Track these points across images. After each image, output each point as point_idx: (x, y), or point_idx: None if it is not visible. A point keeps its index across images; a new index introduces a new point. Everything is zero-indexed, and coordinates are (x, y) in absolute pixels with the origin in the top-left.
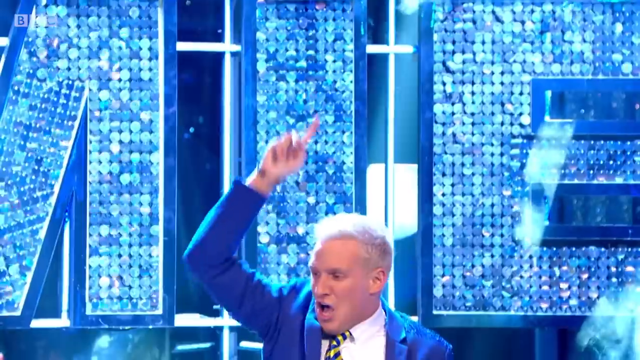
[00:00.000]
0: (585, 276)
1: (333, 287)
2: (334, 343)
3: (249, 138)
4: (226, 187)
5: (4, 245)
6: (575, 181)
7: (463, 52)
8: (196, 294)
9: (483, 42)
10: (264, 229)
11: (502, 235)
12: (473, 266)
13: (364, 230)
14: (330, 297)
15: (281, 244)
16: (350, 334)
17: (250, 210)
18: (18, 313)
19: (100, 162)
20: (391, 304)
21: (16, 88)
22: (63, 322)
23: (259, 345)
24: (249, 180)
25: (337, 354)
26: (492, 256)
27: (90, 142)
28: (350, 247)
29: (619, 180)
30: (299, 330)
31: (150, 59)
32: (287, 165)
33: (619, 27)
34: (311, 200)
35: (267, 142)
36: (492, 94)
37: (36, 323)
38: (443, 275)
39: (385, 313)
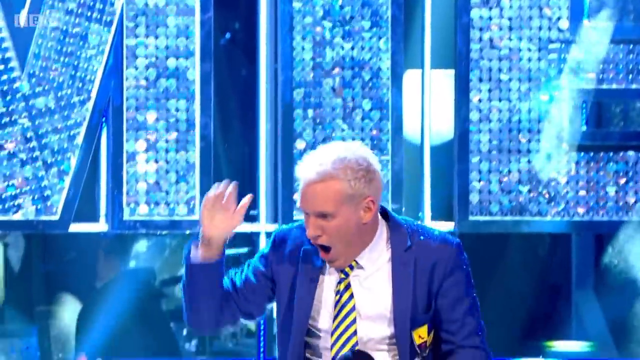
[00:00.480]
0: (622, 181)
1: (324, 227)
2: (343, 276)
3: (285, 44)
4: (262, 93)
5: (42, 150)
6: (614, 86)
7: None
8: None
9: None
10: (300, 136)
11: (538, 141)
12: (510, 172)
13: (344, 166)
14: (323, 238)
15: None
16: (357, 262)
17: (214, 276)
18: (57, 217)
19: (136, 68)
20: (427, 210)
21: None
22: (101, 226)
23: None
24: (200, 253)
25: (348, 286)
26: (529, 162)
27: (127, 47)
28: (333, 187)
29: None
30: (293, 274)
31: None
32: (225, 224)
33: None
34: (347, 106)
35: (303, 48)
36: None
37: (74, 227)
38: (479, 181)
39: (388, 223)
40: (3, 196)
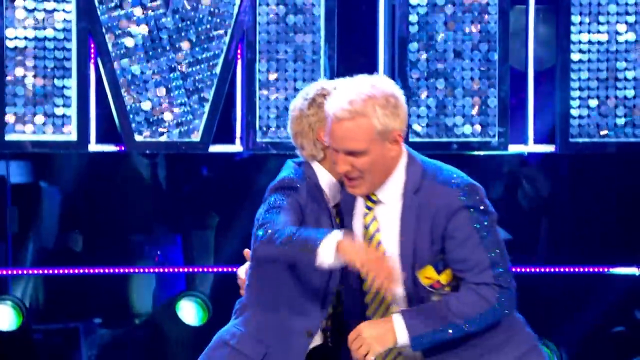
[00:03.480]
0: None
1: (353, 163)
2: (366, 211)
3: None
4: (381, 27)
5: (185, 79)
6: None
7: None
8: None
9: None
10: (415, 66)
11: (634, 69)
12: (607, 98)
13: (373, 102)
14: (353, 171)
15: None
16: (378, 197)
17: None
18: (198, 139)
19: (268, 4)
20: (530, 133)
21: None
22: (237, 147)
23: None
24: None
25: (374, 218)
26: (625, 88)
27: None
28: (363, 125)
29: None
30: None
31: None
32: None
33: None
34: (458, 38)
35: None
36: None
37: (213, 148)
38: (579, 107)
39: (409, 158)
40: (151, 120)
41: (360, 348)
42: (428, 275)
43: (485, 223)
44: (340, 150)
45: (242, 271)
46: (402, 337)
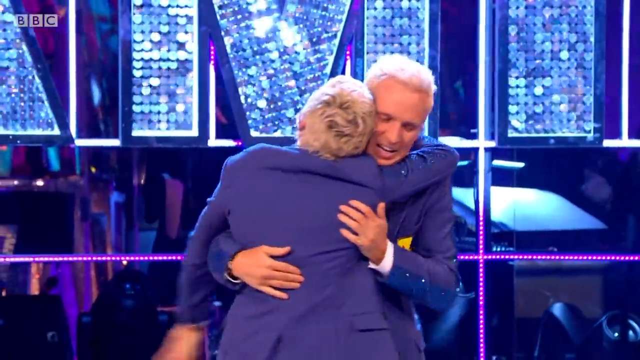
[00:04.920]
0: None
1: (403, 135)
2: None
3: None
4: (482, 29)
5: (297, 79)
6: None
7: None
8: (456, 121)
9: None
10: (514, 66)
11: None
12: None
13: (431, 82)
14: (398, 144)
15: None
16: None
17: None
18: None
19: (375, 8)
20: (625, 129)
21: None
22: None
23: (510, 163)
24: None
25: None
26: None
27: None
28: (427, 101)
29: None
30: None
31: None
32: None
33: None
34: (555, 39)
35: None
36: None
37: None
38: None
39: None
40: (266, 117)
41: (362, 228)
42: (405, 246)
43: (451, 209)
44: (398, 119)
45: None
46: (388, 260)
